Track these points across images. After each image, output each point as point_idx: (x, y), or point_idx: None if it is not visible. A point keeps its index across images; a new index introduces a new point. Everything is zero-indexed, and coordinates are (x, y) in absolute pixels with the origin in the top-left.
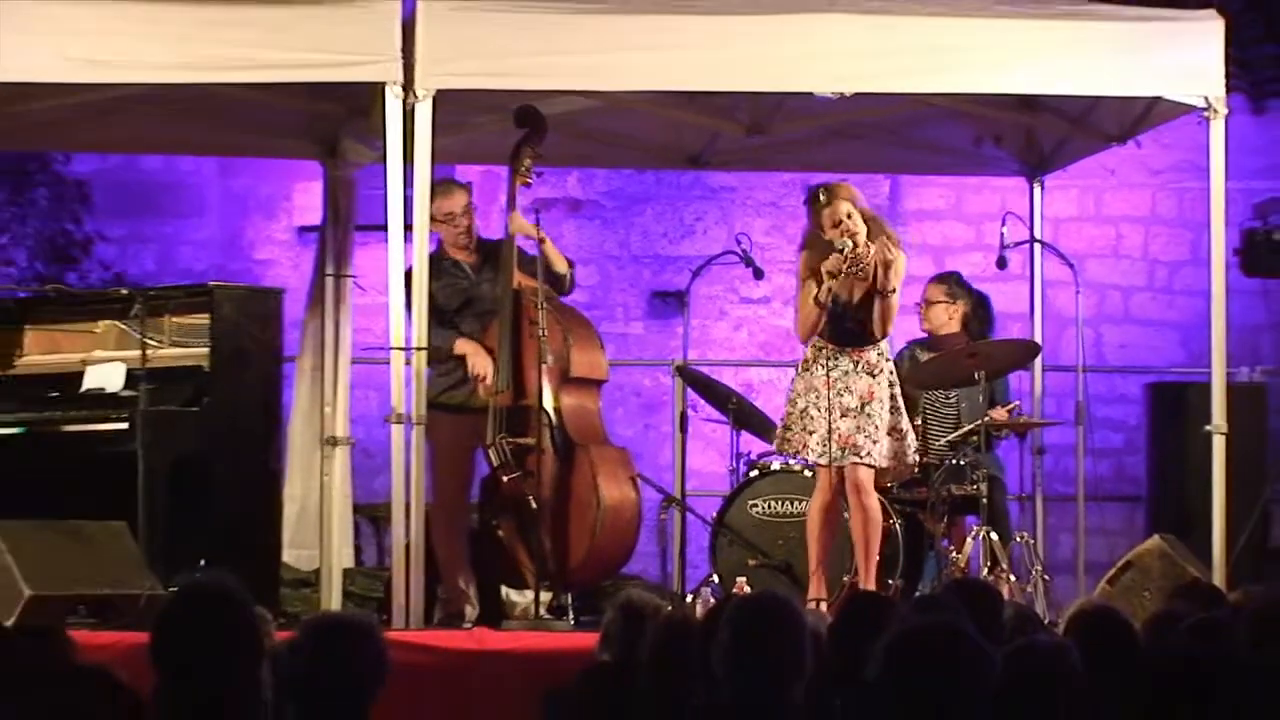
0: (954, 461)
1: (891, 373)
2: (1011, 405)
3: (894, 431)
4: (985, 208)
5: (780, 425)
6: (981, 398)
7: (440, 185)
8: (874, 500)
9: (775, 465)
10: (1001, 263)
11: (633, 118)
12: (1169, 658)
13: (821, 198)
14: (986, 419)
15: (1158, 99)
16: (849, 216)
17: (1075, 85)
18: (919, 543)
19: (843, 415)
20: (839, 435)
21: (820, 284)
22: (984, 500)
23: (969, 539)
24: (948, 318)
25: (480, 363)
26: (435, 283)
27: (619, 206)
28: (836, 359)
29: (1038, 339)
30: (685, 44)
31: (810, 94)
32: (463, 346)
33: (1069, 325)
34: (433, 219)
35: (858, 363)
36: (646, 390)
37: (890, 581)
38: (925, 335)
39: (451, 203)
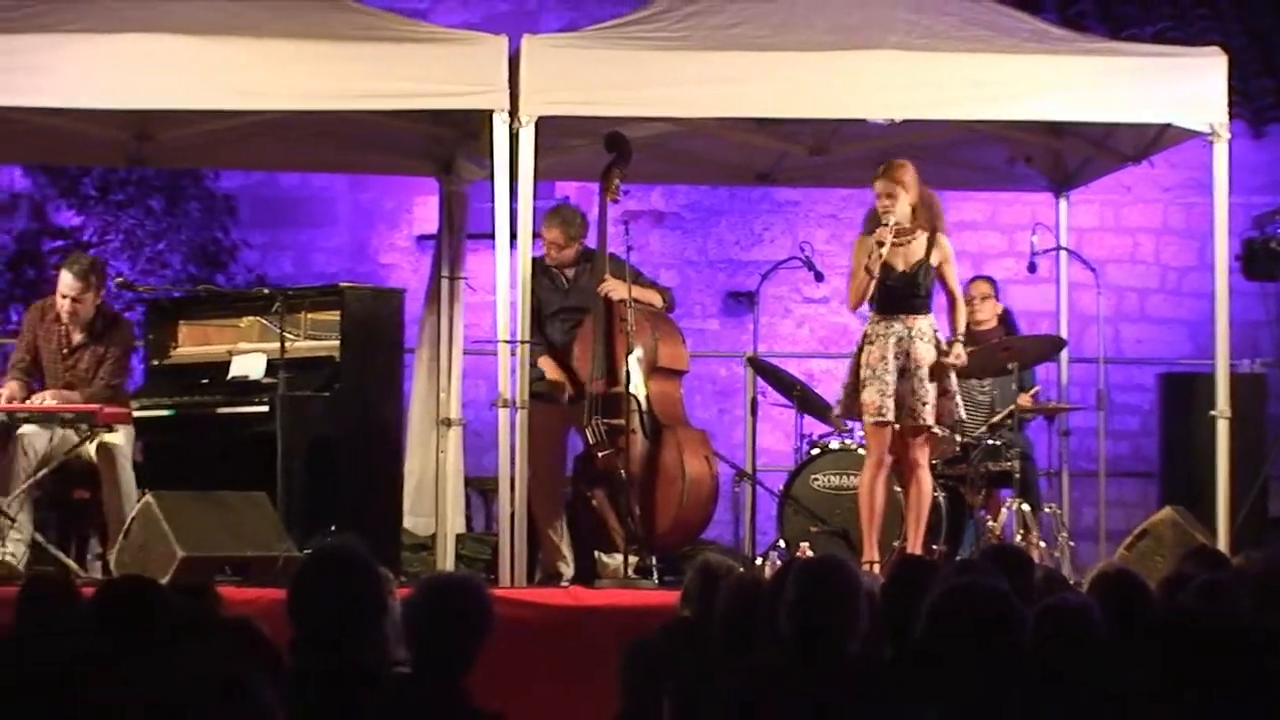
0: (990, 441)
1: (939, 337)
2: (1034, 389)
3: (944, 394)
4: (1017, 219)
5: (843, 392)
6: (1013, 385)
7: (551, 215)
8: (928, 475)
9: (834, 444)
10: (1032, 268)
11: (709, 140)
12: (1179, 614)
13: (880, 170)
14: (1015, 405)
15: (1168, 125)
16: (890, 196)
17: (1096, 113)
18: (960, 513)
19: (899, 377)
20: (895, 395)
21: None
22: (1017, 476)
23: (1003, 510)
24: (993, 313)
25: (556, 378)
26: (540, 279)
27: (698, 218)
28: (891, 326)
29: (1064, 334)
30: (755, 76)
31: (865, 120)
32: (543, 364)
33: (1091, 322)
34: (541, 236)
35: (910, 329)
36: (721, 379)
37: (934, 547)
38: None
39: (552, 235)
